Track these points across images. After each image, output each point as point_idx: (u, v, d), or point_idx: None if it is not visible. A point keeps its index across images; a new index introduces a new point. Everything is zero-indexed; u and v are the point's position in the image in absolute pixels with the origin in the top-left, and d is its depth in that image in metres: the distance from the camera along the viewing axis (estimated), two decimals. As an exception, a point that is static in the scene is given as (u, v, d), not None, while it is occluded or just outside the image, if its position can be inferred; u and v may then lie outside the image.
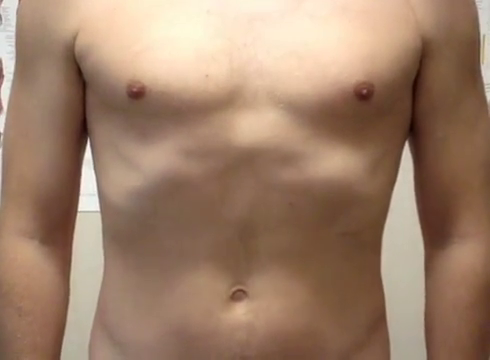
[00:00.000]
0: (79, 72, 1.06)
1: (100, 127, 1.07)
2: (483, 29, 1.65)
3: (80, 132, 1.10)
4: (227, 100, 0.98)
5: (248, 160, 0.99)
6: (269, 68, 0.98)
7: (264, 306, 1.02)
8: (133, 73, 0.98)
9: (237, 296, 1.01)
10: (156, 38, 0.99)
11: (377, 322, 1.12)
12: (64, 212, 1.13)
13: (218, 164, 0.99)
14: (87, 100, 1.08)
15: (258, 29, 0.99)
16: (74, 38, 1.04)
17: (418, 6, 1.04)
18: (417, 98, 1.07)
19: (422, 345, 1.14)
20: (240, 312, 1.01)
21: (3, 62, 2.22)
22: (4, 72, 2.18)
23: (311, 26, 1.00)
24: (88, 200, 1.37)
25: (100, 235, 1.16)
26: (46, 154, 1.09)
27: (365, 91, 0.98)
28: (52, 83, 1.07)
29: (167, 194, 1.01)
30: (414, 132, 1.10)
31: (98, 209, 1.14)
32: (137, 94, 0.98)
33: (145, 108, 0.99)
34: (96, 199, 1.12)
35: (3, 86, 2.20)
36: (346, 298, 1.06)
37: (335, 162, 1.00)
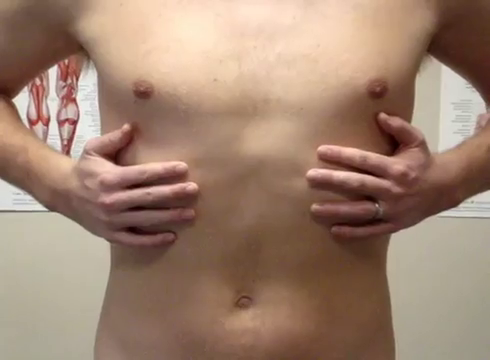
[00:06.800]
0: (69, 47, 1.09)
1: (109, 116, 1.06)
2: None
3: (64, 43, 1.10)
4: (237, 106, 0.95)
5: (257, 170, 0.97)
6: (280, 72, 0.95)
7: (270, 312, 1.01)
8: (140, 72, 0.97)
9: (242, 303, 1.00)
10: (164, 39, 0.97)
11: (383, 322, 1.12)
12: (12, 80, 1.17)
13: (226, 174, 0.97)
14: (98, 85, 1.06)
15: (269, 32, 0.97)
16: (77, 19, 1.03)
17: None
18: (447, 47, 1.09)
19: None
20: (246, 318, 1.01)
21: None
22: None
23: (323, 26, 0.97)
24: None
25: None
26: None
27: (378, 89, 0.97)
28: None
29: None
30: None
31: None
32: (144, 94, 0.96)
33: (152, 109, 0.97)
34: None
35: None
36: (353, 302, 1.06)
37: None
